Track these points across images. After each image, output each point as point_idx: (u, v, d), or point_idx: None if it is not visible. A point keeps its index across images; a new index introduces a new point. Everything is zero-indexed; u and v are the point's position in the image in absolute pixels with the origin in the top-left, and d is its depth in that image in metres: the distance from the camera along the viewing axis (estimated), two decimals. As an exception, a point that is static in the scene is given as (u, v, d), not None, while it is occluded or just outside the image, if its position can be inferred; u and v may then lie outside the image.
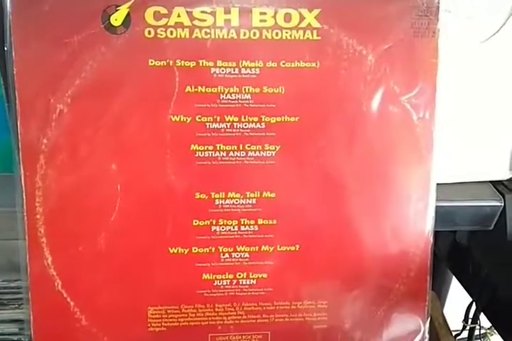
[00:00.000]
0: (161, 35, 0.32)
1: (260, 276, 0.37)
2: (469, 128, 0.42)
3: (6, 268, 0.40)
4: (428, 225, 0.38)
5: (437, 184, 0.39)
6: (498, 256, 0.47)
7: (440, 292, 0.63)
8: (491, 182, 0.44)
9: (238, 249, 0.36)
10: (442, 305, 0.62)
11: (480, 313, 0.54)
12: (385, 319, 0.39)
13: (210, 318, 0.37)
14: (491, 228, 0.44)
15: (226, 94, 0.34)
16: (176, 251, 0.35)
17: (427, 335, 0.40)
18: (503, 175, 0.44)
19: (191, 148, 0.34)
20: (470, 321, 0.56)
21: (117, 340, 0.36)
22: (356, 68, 0.34)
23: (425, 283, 0.39)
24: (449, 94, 0.39)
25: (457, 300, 0.61)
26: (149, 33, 0.32)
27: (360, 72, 0.34)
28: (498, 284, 0.46)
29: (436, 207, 0.40)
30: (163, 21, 0.32)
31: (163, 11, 0.32)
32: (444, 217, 0.43)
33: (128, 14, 0.32)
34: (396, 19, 0.34)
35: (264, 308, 0.37)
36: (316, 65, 0.34)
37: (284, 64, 0.34)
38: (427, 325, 0.40)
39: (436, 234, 0.40)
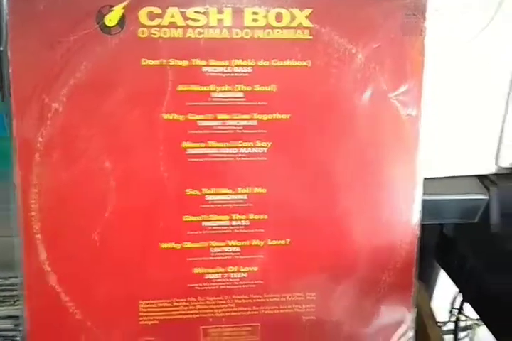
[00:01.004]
0: (155, 34, 0.34)
1: (251, 270, 0.39)
2: (455, 124, 0.44)
3: (1, 266, 0.42)
4: (415, 218, 0.40)
5: (424, 178, 0.41)
6: (483, 247, 0.50)
7: (428, 284, 0.66)
8: (476, 176, 0.47)
9: (229, 244, 0.38)
10: (430, 296, 0.66)
11: (464, 304, 0.58)
12: (372, 310, 0.41)
13: (201, 311, 0.39)
14: (476, 220, 0.48)
15: (218, 92, 0.35)
16: (167, 246, 0.37)
17: (412, 325, 0.42)
18: (488, 170, 0.47)
19: (183, 146, 0.36)
20: (456, 312, 0.60)
21: (111, 333, 0.38)
22: (347, 66, 0.36)
23: (411, 275, 0.41)
24: (436, 90, 0.42)
25: (446, 293, 0.65)
26: (143, 32, 0.34)
27: (350, 70, 0.36)
28: (484, 275, 0.50)
29: (423, 200, 0.42)
30: (157, 21, 0.34)
31: (157, 11, 0.34)
32: (430, 210, 0.45)
33: (122, 14, 0.33)
34: (386, 18, 0.36)
35: (255, 301, 0.39)
36: (308, 63, 0.36)
37: (276, 62, 0.36)
38: (413, 315, 0.42)
39: (425, 226, 0.43)
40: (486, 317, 0.51)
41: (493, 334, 0.49)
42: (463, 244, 0.53)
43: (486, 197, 0.46)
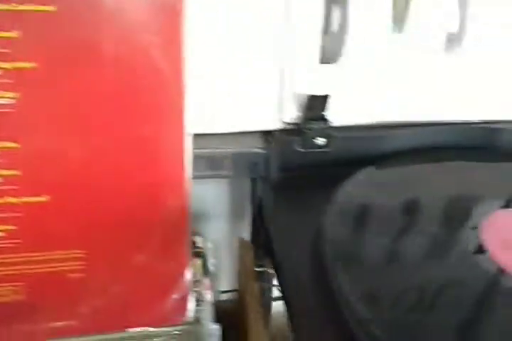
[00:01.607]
0: None
1: (7, 228, 0.39)
2: (235, 80, 0.47)
3: None
4: (185, 173, 0.42)
5: (208, 134, 0.45)
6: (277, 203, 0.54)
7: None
8: (262, 132, 0.51)
9: (-23, 203, 0.37)
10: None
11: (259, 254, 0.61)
12: (145, 266, 0.43)
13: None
14: (262, 175, 0.52)
15: (-50, 38, 0.34)
16: None
17: (189, 281, 0.45)
18: (270, 126, 0.50)
19: None
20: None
21: None
22: (98, 15, 0.36)
23: (183, 231, 0.44)
24: (211, 43, 0.44)
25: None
26: None
27: (101, 18, 0.36)
28: (266, 226, 0.53)
29: (208, 156, 0.46)
30: None
31: None
32: (215, 165, 0.49)
33: None
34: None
35: (15, 260, 0.40)
36: (53, 8, 0.36)
37: (15, 7, 0.35)
38: (190, 272, 0.45)
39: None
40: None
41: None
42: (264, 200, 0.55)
43: (267, 152, 0.49)
